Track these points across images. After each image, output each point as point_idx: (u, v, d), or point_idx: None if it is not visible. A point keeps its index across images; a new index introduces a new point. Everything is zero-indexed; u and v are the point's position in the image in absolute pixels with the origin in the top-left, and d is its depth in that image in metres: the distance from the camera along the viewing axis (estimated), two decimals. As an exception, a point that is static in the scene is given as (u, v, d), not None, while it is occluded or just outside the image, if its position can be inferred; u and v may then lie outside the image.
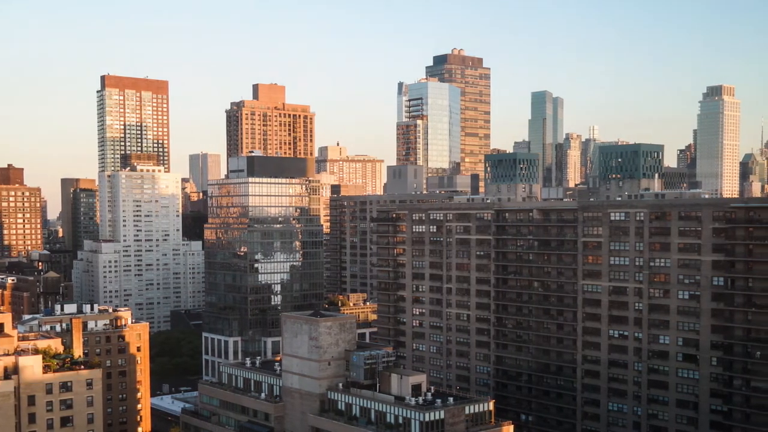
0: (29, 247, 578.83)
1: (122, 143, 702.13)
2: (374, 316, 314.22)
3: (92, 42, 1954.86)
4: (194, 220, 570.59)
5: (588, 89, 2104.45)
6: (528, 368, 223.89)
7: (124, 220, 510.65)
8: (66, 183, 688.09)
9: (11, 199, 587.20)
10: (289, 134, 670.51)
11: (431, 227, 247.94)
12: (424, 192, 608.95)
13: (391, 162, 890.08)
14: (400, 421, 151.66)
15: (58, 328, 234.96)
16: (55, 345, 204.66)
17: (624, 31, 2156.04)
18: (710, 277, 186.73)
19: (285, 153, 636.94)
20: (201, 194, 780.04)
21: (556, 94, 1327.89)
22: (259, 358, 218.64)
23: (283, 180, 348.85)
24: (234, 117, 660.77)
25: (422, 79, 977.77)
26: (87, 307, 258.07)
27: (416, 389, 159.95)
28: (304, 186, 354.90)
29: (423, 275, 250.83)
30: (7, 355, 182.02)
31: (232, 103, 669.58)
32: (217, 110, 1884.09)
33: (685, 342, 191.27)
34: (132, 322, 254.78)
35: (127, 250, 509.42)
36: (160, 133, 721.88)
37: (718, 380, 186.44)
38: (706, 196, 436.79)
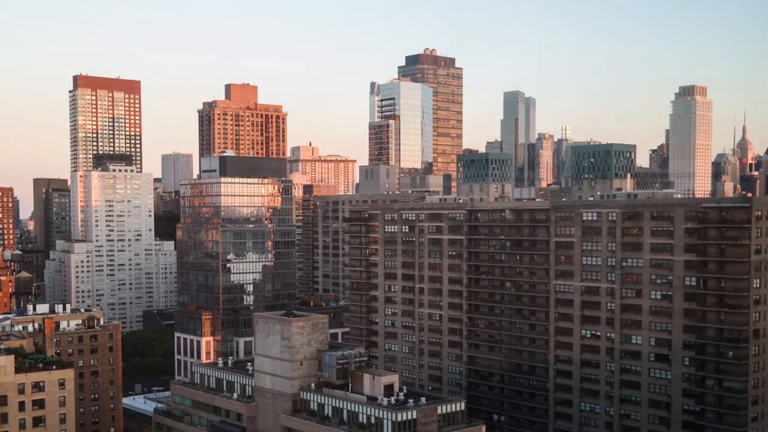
0: (1, 248, 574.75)
1: (95, 143, 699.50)
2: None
3: (64, 42, 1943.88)
4: (166, 220, 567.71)
5: (560, 89, 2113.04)
6: (500, 368, 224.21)
7: (97, 220, 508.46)
8: (38, 183, 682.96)
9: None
10: (262, 134, 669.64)
11: (403, 227, 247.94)
12: (397, 192, 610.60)
13: (364, 162, 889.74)
14: (373, 421, 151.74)
15: (30, 328, 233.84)
16: (28, 345, 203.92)
17: (596, 32, 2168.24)
18: (682, 277, 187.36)
19: (257, 153, 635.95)
20: (173, 194, 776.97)
21: (528, 94, 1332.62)
22: (231, 358, 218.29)
23: (255, 180, 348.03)
24: (206, 117, 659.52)
25: (394, 79, 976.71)
26: (59, 307, 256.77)
27: (388, 389, 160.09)
28: (276, 186, 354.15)
29: (395, 275, 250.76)
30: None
31: (204, 103, 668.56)
32: (189, 110, 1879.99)
33: (658, 342, 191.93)
34: (104, 322, 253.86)
35: (99, 250, 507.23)
36: (132, 133, 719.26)
37: (690, 380, 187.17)
38: (679, 196, 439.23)
